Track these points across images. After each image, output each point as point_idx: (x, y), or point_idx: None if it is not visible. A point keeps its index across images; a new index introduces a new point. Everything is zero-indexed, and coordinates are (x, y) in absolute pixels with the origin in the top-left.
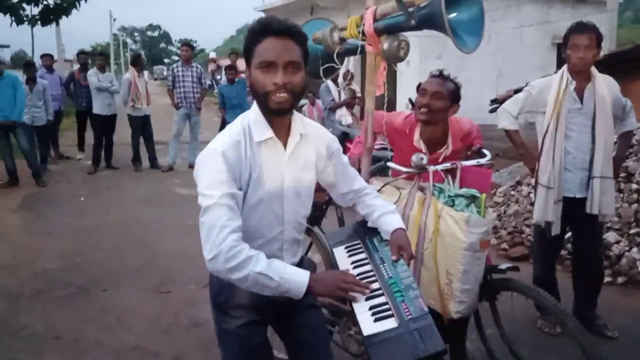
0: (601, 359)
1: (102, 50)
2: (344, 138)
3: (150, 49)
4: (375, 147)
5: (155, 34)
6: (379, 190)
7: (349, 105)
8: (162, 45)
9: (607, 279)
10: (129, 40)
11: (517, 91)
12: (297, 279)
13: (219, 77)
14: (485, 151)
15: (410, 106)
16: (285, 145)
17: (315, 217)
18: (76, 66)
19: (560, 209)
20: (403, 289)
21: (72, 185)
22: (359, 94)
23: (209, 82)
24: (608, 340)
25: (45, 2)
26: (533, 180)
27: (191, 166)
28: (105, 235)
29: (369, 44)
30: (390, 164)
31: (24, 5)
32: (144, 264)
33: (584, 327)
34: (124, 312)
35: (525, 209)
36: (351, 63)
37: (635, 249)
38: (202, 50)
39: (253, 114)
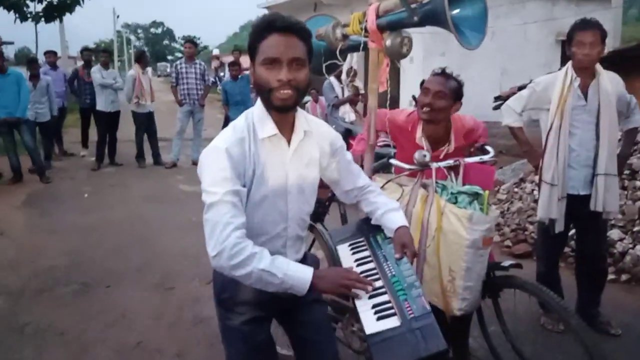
0: (604, 356)
1: (106, 47)
2: (347, 135)
3: (154, 46)
4: (379, 144)
5: (159, 30)
6: (381, 187)
7: (352, 102)
8: (166, 42)
9: (610, 277)
10: (132, 37)
11: (520, 88)
12: (301, 276)
13: (222, 74)
14: (489, 148)
15: (413, 103)
16: (289, 142)
17: (318, 213)
18: (80, 63)
19: (564, 206)
20: (406, 287)
21: (75, 182)
22: (362, 91)
23: (212, 79)
24: (611, 337)
25: None
26: (537, 178)
27: (194, 163)
28: (108, 232)
29: (372, 41)
30: (392, 161)
31: (28, 2)
32: (147, 260)
33: (587, 324)
34: (127, 308)
35: (528, 206)
36: (354, 60)
37: (639, 247)
38: (205, 47)
39: (257, 111)
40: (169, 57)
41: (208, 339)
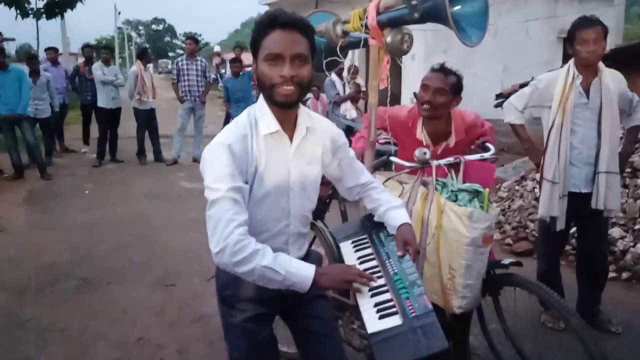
0: (604, 354)
1: (107, 44)
2: (348, 132)
3: (155, 43)
4: (380, 141)
5: (160, 27)
6: None
7: (354, 99)
8: (167, 38)
9: (611, 275)
10: (133, 34)
11: (522, 86)
12: (303, 273)
13: (223, 71)
14: (489, 145)
15: (414, 100)
16: (291, 138)
17: (319, 211)
18: (81, 60)
19: (566, 204)
20: (408, 285)
21: (77, 179)
22: (363, 88)
23: (213, 76)
24: (612, 335)
25: None
26: (538, 175)
27: (195, 160)
28: (109, 229)
29: (372, 37)
30: (392, 158)
31: None
32: (149, 257)
33: (588, 322)
34: (129, 305)
35: (529, 204)
36: (356, 57)
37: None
38: (206, 44)
39: (259, 107)
40: (170, 54)
41: (208, 336)
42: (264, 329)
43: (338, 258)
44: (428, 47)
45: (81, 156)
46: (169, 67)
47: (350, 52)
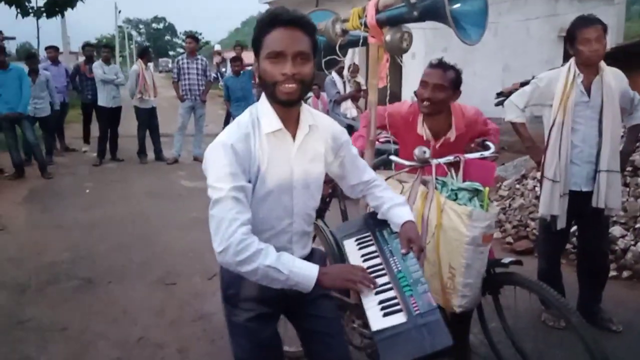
0: (604, 353)
1: (107, 43)
2: (349, 131)
3: (155, 41)
4: (380, 140)
5: (160, 26)
6: None
7: (354, 98)
8: (167, 37)
9: (612, 273)
10: (133, 33)
11: (523, 84)
12: (306, 273)
13: (224, 69)
14: (490, 144)
15: (415, 99)
16: (294, 137)
17: (319, 210)
18: (81, 58)
19: (566, 202)
20: (412, 283)
21: (77, 178)
22: (364, 87)
23: (213, 75)
24: (612, 334)
25: None
26: (539, 174)
27: (196, 159)
28: (110, 228)
29: (372, 36)
30: (392, 157)
31: None
32: (149, 256)
33: (589, 321)
34: (129, 304)
35: (530, 203)
36: (356, 56)
37: None
38: (207, 43)
39: (261, 106)
40: (171, 53)
41: (209, 335)
42: (267, 329)
43: (340, 256)
44: (428, 45)
45: (82, 155)
46: (170, 66)
47: (350, 51)
